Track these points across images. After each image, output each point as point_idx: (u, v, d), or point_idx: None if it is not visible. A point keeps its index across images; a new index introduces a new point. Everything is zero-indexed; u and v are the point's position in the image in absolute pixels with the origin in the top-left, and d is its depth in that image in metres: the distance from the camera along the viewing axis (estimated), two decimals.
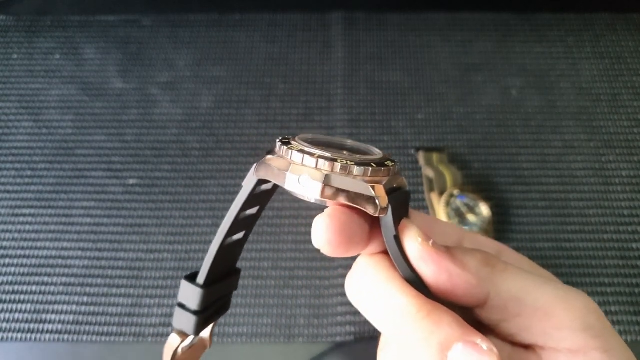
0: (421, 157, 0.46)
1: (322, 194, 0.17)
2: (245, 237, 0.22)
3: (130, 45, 0.54)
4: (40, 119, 0.49)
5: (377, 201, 0.17)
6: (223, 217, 0.19)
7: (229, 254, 0.21)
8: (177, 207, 0.44)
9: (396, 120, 0.49)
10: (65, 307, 0.40)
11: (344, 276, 0.41)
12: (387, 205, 0.17)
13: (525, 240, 0.43)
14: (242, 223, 0.20)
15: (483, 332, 0.18)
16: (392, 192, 0.17)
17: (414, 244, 0.17)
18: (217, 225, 0.17)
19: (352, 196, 0.17)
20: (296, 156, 0.17)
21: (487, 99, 0.50)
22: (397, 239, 0.17)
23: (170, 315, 0.40)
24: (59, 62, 0.53)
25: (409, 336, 0.16)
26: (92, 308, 0.40)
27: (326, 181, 0.17)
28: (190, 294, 0.20)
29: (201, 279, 0.20)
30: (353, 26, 0.54)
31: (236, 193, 0.19)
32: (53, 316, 0.40)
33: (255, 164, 0.19)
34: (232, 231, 0.20)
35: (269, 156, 0.18)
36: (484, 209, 0.42)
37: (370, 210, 0.17)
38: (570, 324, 0.17)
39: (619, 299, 0.40)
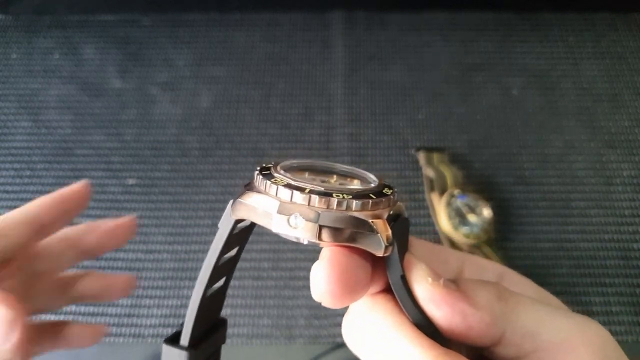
0: (422, 157, 0.45)
1: (318, 236, 0.14)
2: (227, 283, 0.20)
3: (130, 44, 0.54)
4: (39, 119, 0.49)
5: (381, 239, 0.15)
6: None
7: (211, 304, 0.19)
8: (176, 207, 0.44)
9: (396, 120, 0.49)
10: (63, 308, 0.40)
11: None
12: (393, 242, 0.15)
13: (526, 241, 0.43)
14: (221, 269, 0.18)
15: None
16: (392, 222, 0.15)
17: (423, 284, 0.15)
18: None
19: (353, 235, 0.15)
20: (283, 192, 0.15)
21: (488, 99, 0.50)
22: (404, 279, 0.15)
23: (170, 315, 0.40)
24: (58, 61, 0.53)
25: None
26: (91, 308, 0.40)
27: (322, 220, 0.14)
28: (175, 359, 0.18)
29: (185, 339, 0.18)
30: (353, 25, 0.54)
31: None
32: (52, 317, 0.40)
33: (231, 201, 0.16)
34: (212, 280, 0.17)
35: (249, 192, 0.16)
36: (485, 209, 0.41)
37: (374, 250, 0.15)
38: (590, 358, 0.16)
39: (620, 299, 0.40)
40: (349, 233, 0.15)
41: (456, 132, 0.48)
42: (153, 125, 0.49)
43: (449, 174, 0.43)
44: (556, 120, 0.49)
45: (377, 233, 0.15)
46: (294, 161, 0.18)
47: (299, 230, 0.15)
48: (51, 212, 0.23)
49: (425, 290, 0.15)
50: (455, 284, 0.16)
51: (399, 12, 0.55)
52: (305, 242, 0.15)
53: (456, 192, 0.42)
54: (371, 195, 0.15)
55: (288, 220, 0.15)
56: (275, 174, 0.16)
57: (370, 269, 0.16)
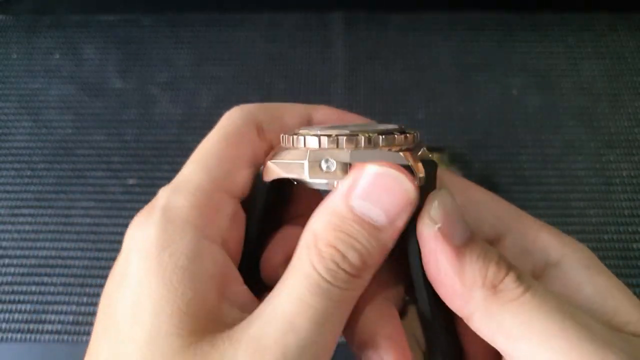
0: None
1: None
2: None
3: (130, 44, 0.54)
4: (40, 119, 0.49)
5: (413, 170, 0.15)
6: None
7: None
8: None
9: (396, 120, 0.48)
10: (64, 308, 0.40)
11: None
12: (424, 174, 0.15)
13: None
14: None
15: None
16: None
17: (420, 220, 0.15)
18: None
19: None
20: (311, 141, 0.15)
21: (488, 99, 0.50)
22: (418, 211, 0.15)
23: None
24: (58, 61, 0.53)
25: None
26: (91, 308, 0.40)
27: (353, 158, 0.15)
28: None
29: None
30: (353, 26, 0.54)
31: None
32: (52, 316, 0.40)
33: (260, 167, 0.17)
34: (256, 252, 0.18)
35: (277, 152, 0.16)
36: None
37: None
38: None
39: None
40: None
41: (456, 132, 0.48)
42: (153, 125, 0.49)
43: None
44: (556, 120, 0.49)
45: (410, 165, 0.15)
46: (310, 126, 0.18)
47: (332, 173, 0.15)
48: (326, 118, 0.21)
49: (420, 226, 0.15)
50: (468, 234, 0.15)
51: (399, 12, 0.55)
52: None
53: None
54: (395, 132, 0.16)
55: (320, 165, 0.15)
56: (300, 131, 0.16)
57: None
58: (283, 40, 0.54)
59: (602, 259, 0.44)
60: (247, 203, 0.18)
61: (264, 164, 0.17)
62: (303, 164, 0.15)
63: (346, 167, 0.15)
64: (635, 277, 0.41)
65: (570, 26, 0.54)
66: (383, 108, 0.49)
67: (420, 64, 0.52)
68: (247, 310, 0.15)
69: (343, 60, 0.52)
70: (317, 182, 0.15)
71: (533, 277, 0.17)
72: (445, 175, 0.18)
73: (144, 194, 0.45)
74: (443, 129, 0.48)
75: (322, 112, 0.20)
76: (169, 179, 0.19)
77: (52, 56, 0.53)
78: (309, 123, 0.20)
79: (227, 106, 0.20)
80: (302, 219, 0.16)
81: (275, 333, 0.14)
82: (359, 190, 0.15)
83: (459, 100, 0.50)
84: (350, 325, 0.17)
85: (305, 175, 0.15)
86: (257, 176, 0.17)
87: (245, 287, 0.16)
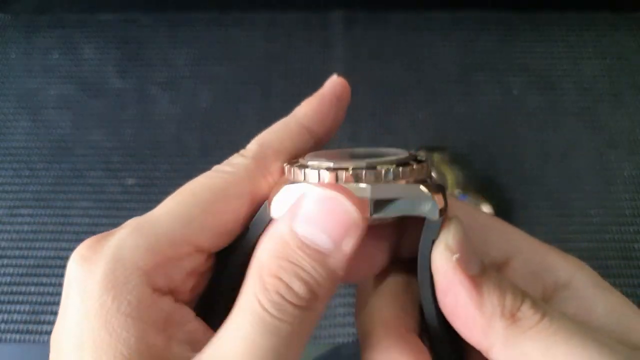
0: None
1: (373, 211, 0.14)
2: None
3: (129, 44, 0.54)
4: (39, 118, 0.49)
5: (436, 203, 0.14)
6: None
7: None
8: None
9: (396, 120, 0.49)
10: None
11: None
12: (446, 204, 0.14)
13: None
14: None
15: None
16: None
17: (436, 250, 0.15)
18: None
19: (405, 204, 0.14)
20: (326, 175, 0.14)
21: (489, 98, 0.50)
22: (434, 243, 0.15)
23: None
24: (57, 60, 0.53)
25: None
26: None
27: (374, 194, 0.14)
28: None
29: None
30: (353, 25, 0.54)
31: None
32: (51, 317, 0.40)
33: (265, 202, 0.16)
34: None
35: (284, 185, 0.15)
36: (486, 209, 0.41)
37: (430, 214, 0.14)
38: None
39: None
40: (402, 202, 0.14)
41: (457, 132, 0.48)
42: (152, 124, 0.49)
43: (450, 174, 0.43)
44: (557, 119, 0.48)
45: (432, 197, 0.14)
46: (312, 153, 0.17)
47: None
48: (315, 116, 0.20)
49: (436, 256, 0.15)
50: (481, 267, 0.15)
51: (399, 12, 0.55)
52: None
53: (457, 192, 0.42)
54: (411, 162, 0.15)
55: None
56: (309, 162, 0.15)
57: (387, 254, 0.16)
58: (282, 39, 0.54)
59: (604, 259, 0.44)
60: (240, 239, 0.17)
61: (269, 199, 0.16)
62: None
63: (367, 203, 0.14)
64: (637, 277, 0.41)
65: (571, 25, 0.54)
66: (383, 108, 0.49)
67: (420, 63, 0.52)
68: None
69: (343, 60, 0.52)
70: None
71: (543, 299, 0.17)
72: (449, 199, 0.18)
73: (143, 194, 0.45)
74: (443, 129, 0.48)
75: (308, 118, 0.19)
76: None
77: (51, 55, 0.53)
78: (310, 139, 0.19)
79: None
80: None
81: None
82: (302, 214, 0.14)
83: (460, 100, 0.50)
84: None
85: None
86: (261, 212, 0.16)
87: (200, 325, 0.16)
